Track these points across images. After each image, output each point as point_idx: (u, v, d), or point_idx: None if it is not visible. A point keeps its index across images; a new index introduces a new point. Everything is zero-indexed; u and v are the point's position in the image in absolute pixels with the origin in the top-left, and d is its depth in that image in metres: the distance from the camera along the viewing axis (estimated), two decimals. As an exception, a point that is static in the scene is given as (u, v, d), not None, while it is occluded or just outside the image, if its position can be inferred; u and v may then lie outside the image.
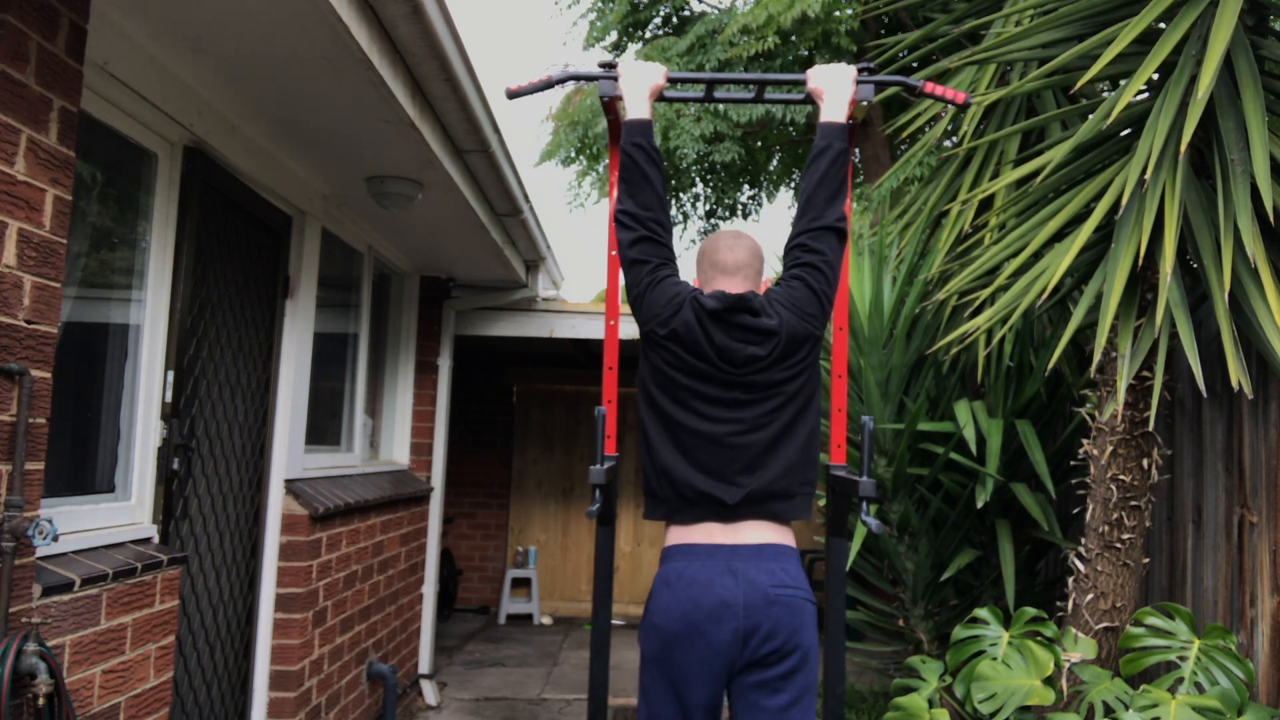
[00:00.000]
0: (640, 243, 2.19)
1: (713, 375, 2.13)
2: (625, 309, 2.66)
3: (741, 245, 2.26)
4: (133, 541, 2.67)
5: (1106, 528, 3.02)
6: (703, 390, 2.14)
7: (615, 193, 2.29)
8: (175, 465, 2.91)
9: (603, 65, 2.35)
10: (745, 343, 2.12)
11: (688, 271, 2.34)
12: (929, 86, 2.36)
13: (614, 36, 8.87)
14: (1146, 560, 3.10)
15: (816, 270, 2.18)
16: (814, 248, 2.18)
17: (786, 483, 2.14)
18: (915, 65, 3.77)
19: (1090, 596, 3.04)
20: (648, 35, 9.02)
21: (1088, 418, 3.16)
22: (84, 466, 2.64)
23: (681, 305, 2.15)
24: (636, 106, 2.25)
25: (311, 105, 3.04)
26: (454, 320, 5.82)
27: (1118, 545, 3.01)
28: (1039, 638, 2.85)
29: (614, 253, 2.50)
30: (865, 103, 2.30)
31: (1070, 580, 3.15)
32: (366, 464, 4.99)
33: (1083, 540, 3.13)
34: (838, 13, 6.93)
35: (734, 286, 2.20)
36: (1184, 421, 3.26)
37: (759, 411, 2.14)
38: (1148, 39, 2.79)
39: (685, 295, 2.16)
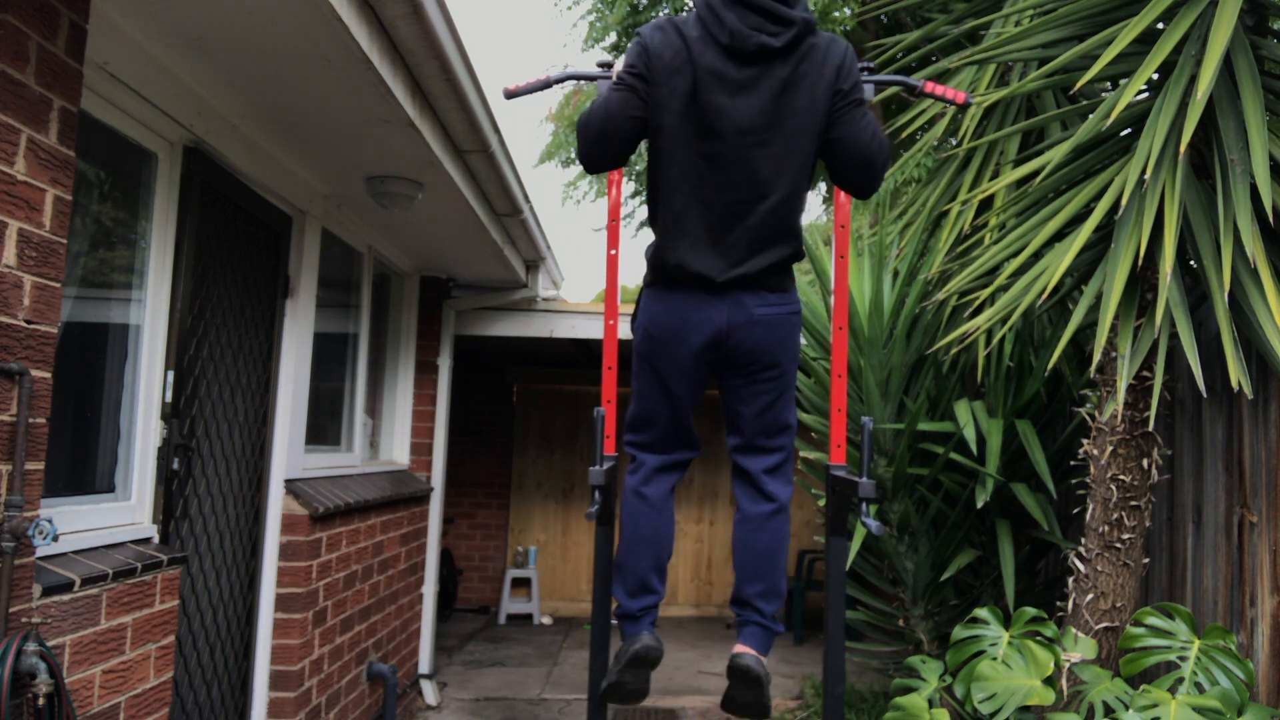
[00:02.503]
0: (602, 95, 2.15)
1: (712, 110, 2.04)
2: (625, 309, 2.66)
3: None
4: (133, 541, 2.67)
5: (1106, 528, 3.02)
6: (703, 148, 2.08)
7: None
8: (175, 465, 2.91)
9: (602, 65, 2.35)
10: (759, 30, 2.03)
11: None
12: (929, 86, 2.36)
13: (613, 38, 8.87)
14: (1146, 560, 3.10)
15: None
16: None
17: (776, 260, 2.15)
18: (914, 65, 3.76)
19: (1090, 596, 3.04)
20: (647, 36, 9.01)
21: (1088, 418, 3.16)
22: (84, 466, 2.64)
23: (662, 29, 2.08)
24: None
25: (311, 105, 3.04)
26: (454, 320, 5.82)
27: (1118, 545, 3.01)
28: (1039, 638, 2.85)
29: (614, 252, 2.50)
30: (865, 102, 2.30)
31: (1070, 580, 3.14)
32: (366, 464, 4.99)
33: (1083, 540, 3.13)
34: (836, 13, 6.93)
35: None
36: (1184, 421, 3.26)
37: (750, 180, 2.08)
38: (1147, 39, 2.79)
39: (663, 21, 2.10)
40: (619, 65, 2.29)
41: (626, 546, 2.29)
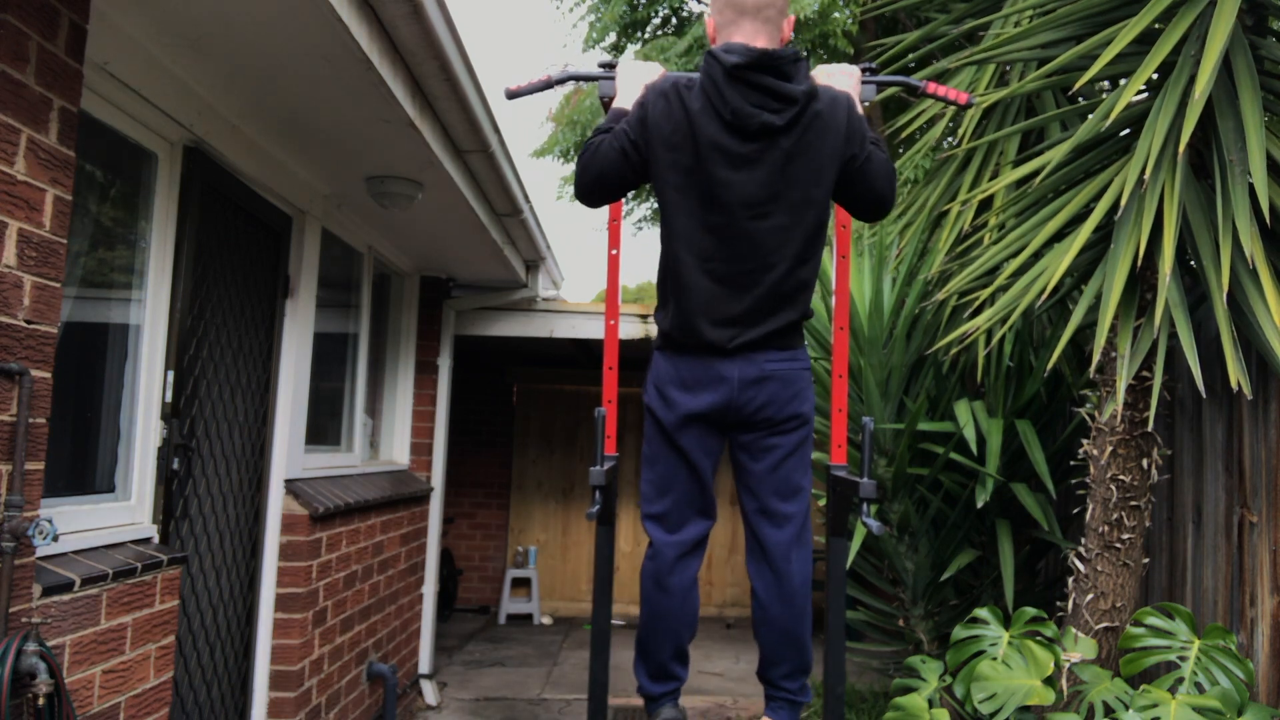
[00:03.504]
0: (600, 141, 2.10)
1: (717, 183, 2.02)
2: (625, 309, 2.66)
3: None
4: (133, 541, 2.67)
5: (1106, 528, 3.02)
6: (708, 220, 2.05)
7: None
8: (175, 465, 2.91)
9: (602, 65, 2.35)
10: (762, 108, 1.98)
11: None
12: (931, 86, 2.36)
13: (613, 37, 8.87)
14: (1146, 560, 3.10)
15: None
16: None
17: (784, 324, 2.13)
18: (913, 65, 3.76)
19: (1090, 596, 3.04)
20: (647, 36, 9.03)
21: (1087, 418, 3.16)
22: (84, 466, 2.64)
23: (663, 95, 2.04)
24: (626, 99, 2.23)
25: (311, 105, 3.04)
26: (454, 320, 5.82)
27: (1118, 545, 3.01)
28: (1039, 638, 2.85)
29: (614, 252, 2.50)
30: (866, 103, 2.30)
31: (1070, 580, 3.15)
32: (366, 464, 4.99)
33: (1083, 540, 3.13)
34: (836, 14, 6.94)
35: (755, 30, 2.04)
36: (1184, 421, 3.26)
37: (759, 249, 2.06)
38: (1146, 39, 2.79)
39: (665, 85, 2.05)
40: (620, 72, 2.29)
41: (647, 630, 2.23)
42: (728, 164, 2.02)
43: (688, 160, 2.03)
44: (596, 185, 2.10)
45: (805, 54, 7.13)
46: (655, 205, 8.69)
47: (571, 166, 9.34)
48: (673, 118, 2.03)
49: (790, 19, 2.13)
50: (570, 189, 10.13)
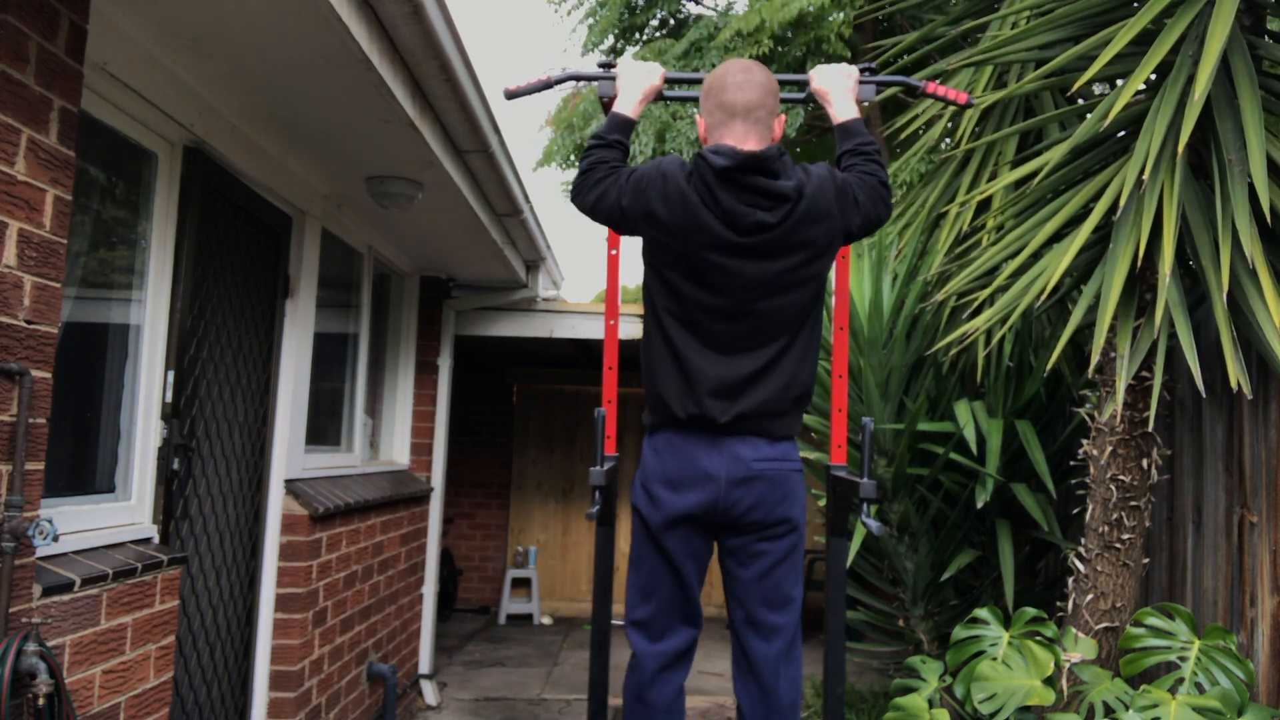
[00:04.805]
0: (602, 179, 2.13)
1: (712, 267, 2.02)
2: (625, 309, 2.66)
3: (753, 82, 2.07)
4: (133, 541, 2.67)
5: (1106, 528, 3.02)
6: (703, 300, 2.05)
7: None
8: (175, 465, 2.91)
9: (602, 65, 2.35)
10: (754, 207, 2.00)
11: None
12: (931, 87, 2.37)
13: (611, 40, 8.88)
14: (1146, 560, 3.10)
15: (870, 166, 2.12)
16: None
17: (781, 403, 2.11)
18: (909, 68, 3.76)
19: (1090, 596, 3.04)
20: (645, 38, 9.03)
21: (1087, 418, 3.16)
22: (84, 466, 2.64)
23: (664, 176, 2.04)
24: (626, 103, 2.24)
25: (311, 105, 3.04)
26: (454, 320, 5.82)
27: (1118, 545, 3.01)
28: (1039, 638, 2.85)
29: (614, 252, 2.50)
30: (865, 103, 2.30)
31: (1070, 580, 3.15)
32: (366, 464, 4.99)
33: (1083, 540, 3.14)
34: (832, 17, 6.94)
35: (745, 131, 2.06)
36: (1184, 421, 3.26)
37: (756, 327, 2.07)
38: (1145, 40, 2.79)
39: (669, 167, 2.05)
40: (619, 73, 2.29)
41: None
42: (725, 253, 2.03)
43: (683, 245, 2.04)
44: (591, 215, 2.15)
45: (802, 56, 7.10)
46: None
47: (571, 173, 9.35)
48: (670, 202, 2.03)
49: (781, 118, 2.15)
50: (569, 186, 10.14)
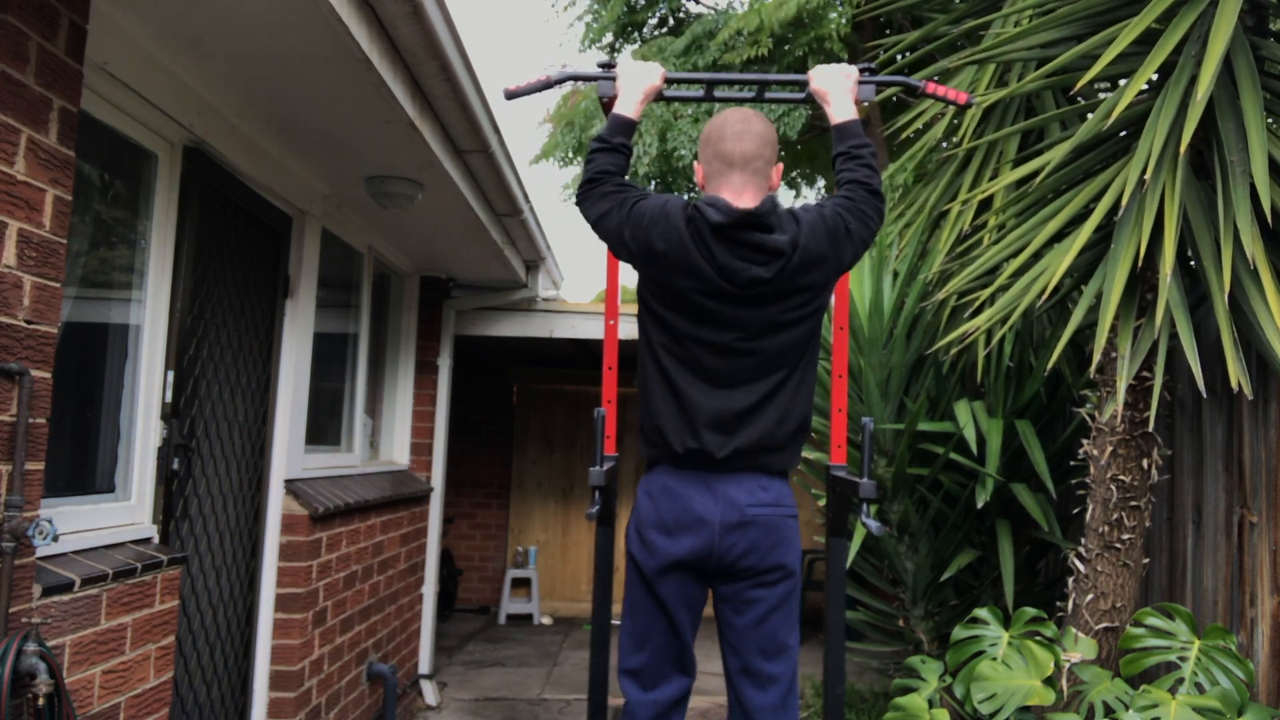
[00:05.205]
0: (609, 194, 2.12)
1: (709, 310, 2.03)
2: (625, 309, 2.66)
3: (751, 133, 2.09)
4: (133, 541, 2.67)
5: (1106, 528, 3.02)
6: (700, 335, 2.06)
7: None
8: (175, 465, 2.91)
9: (601, 65, 2.35)
10: (749, 262, 2.00)
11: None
12: (931, 87, 2.36)
13: (610, 38, 8.87)
14: (1146, 560, 3.10)
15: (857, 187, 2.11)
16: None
17: (778, 437, 2.11)
18: (908, 70, 3.76)
19: (1090, 596, 3.04)
20: (645, 36, 9.02)
21: (1088, 418, 3.16)
22: (84, 466, 2.64)
23: (667, 217, 2.03)
24: (626, 104, 2.23)
25: (311, 105, 3.04)
26: (454, 320, 5.82)
27: (1118, 545, 3.01)
28: (1039, 638, 2.85)
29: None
30: (864, 103, 2.30)
31: (1070, 580, 3.15)
32: (366, 464, 4.99)
33: (1083, 540, 3.13)
34: (832, 15, 6.94)
35: (744, 182, 2.07)
36: (1184, 421, 3.26)
37: (753, 363, 2.07)
38: (1147, 39, 2.79)
39: (672, 209, 2.05)
40: (620, 73, 2.28)
41: None
42: (721, 300, 2.04)
43: (680, 287, 2.04)
44: (593, 229, 2.15)
45: (802, 56, 7.09)
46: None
47: (570, 171, 9.35)
48: (670, 244, 2.03)
49: (778, 167, 2.16)
50: (570, 190, 10.13)
